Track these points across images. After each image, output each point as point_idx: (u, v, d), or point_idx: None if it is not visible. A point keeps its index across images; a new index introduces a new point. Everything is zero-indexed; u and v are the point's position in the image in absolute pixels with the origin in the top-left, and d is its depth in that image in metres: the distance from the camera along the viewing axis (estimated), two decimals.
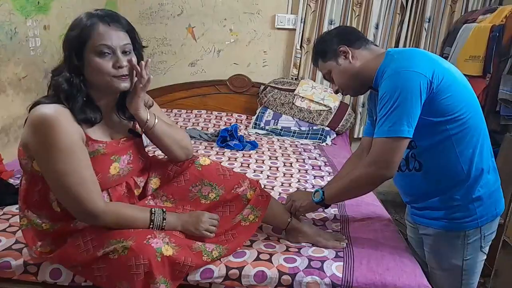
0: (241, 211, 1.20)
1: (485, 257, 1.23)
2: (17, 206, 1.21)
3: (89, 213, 1.01)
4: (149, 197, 1.20)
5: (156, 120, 1.15)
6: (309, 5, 2.76)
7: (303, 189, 1.73)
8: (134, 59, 1.05)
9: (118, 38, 1.02)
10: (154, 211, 1.08)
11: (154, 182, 1.23)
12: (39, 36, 2.02)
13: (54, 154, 0.96)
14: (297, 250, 1.21)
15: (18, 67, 1.90)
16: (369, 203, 1.56)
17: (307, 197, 1.28)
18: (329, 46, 1.23)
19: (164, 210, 1.10)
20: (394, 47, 2.80)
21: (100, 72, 1.00)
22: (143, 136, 1.26)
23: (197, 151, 2.21)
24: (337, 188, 1.23)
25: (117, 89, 1.04)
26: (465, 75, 1.22)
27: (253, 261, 1.14)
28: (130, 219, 1.05)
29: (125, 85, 1.04)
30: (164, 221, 1.08)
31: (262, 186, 1.63)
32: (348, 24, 2.78)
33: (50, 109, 0.97)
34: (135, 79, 1.06)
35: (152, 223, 1.07)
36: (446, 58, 2.39)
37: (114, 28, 1.02)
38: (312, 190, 1.31)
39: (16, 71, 1.89)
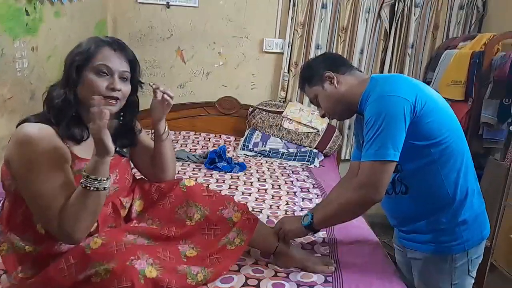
0: (227, 234, 1.19)
1: (473, 281, 1.23)
2: None
3: (59, 235, 0.99)
4: (135, 220, 1.19)
5: (169, 135, 1.25)
6: (296, 30, 2.84)
7: (292, 212, 1.72)
8: (128, 88, 1.09)
9: (119, 64, 1.06)
10: (83, 184, 0.95)
11: (138, 205, 1.22)
12: (27, 57, 2.01)
13: (32, 175, 0.96)
14: (285, 275, 1.19)
15: (4, 88, 1.87)
16: (357, 226, 1.56)
17: (295, 222, 1.27)
18: (315, 72, 1.26)
19: (86, 174, 0.96)
20: (379, 71, 2.88)
21: (92, 89, 1.02)
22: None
23: (185, 173, 2.19)
24: (326, 213, 1.23)
25: None
26: (447, 99, 1.26)
27: (241, 286, 1.12)
28: (88, 209, 0.96)
29: (111, 108, 1.03)
30: (98, 179, 0.96)
31: (251, 209, 1.63)
32: (334, 49, 2.86)
33: (35, 129, 0.97)
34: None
35: (88, 186, 0.95)
36: (429, 82, 2.47)
37: (119, 54, 1.06)
38: (301, 214, 1.31)
39: (1, 92, 1.86)
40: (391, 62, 2.86)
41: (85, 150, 1.06)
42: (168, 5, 2.85)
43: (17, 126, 1.01)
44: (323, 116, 1.32)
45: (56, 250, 1.04)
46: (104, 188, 0.97)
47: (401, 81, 1.16)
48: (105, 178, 0.97)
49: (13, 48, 1.91)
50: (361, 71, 1.34)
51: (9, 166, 1.01)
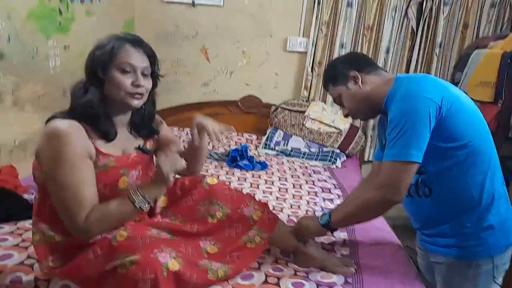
0: (247, 233, 1.21)
1: None
2: (30, 221, 1.23)
3: (76, 229, 1.03)
4: (158, 216, 1.22)
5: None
6: (321, 29, 2.82)
7: (313, 212, 1.72)
8: (150, 83, 1.13)
9: (141, 60, 1.10)
10: (131, 194, 1.05)
11: (162, 200, 1.26)
12: (59, 55, 2.09)
13: (58, 167, 1.00)
14: (305, 274, 1.20)
15: (37, 85, 1.96)
16: (379, 228, 1.54)
17: (313, 221, 1.27)
18: (339, 71, 1.26)
19: (138, 188, 1.07)
20: (405, 71, 2.82)
21: (119, 87, 1.07)
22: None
23: (207, 171, 2.23)
24: (344, 212, 1.22)
25: (129, 106, 1.10)
26: (476, 100, 1.22)
27: (261, 284, 1.13)
28: (117, 215, 1.05)
29: (137, 102, 1.10)
30: (145, 197, 1.05)
31: (271, 208, 1.64)
32: (359, 48, 2.82)
33: (63, 124, 1.03)
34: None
35: (134, 201, 1.05)
36: (456, 83, 2.40)
37: (139, 51, 1.10)
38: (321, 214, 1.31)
39: (35, 89, 1.95)
40: (417, 61, 2.80)
41: (109, 146, 1.11)
42: (193, 4, 2.89)
43: (46, 123, 1.06)
44: (346, 116, 1.32)
45: (84, 241, 1.09)
46: (142, 208, 1.06)
47: (427, 81, 1.14)
48: (149, 201, 1.06)
49: (46, 47, 1.99)
50: (386, 71, 1.32)
51: (39, 159, 1.06)
